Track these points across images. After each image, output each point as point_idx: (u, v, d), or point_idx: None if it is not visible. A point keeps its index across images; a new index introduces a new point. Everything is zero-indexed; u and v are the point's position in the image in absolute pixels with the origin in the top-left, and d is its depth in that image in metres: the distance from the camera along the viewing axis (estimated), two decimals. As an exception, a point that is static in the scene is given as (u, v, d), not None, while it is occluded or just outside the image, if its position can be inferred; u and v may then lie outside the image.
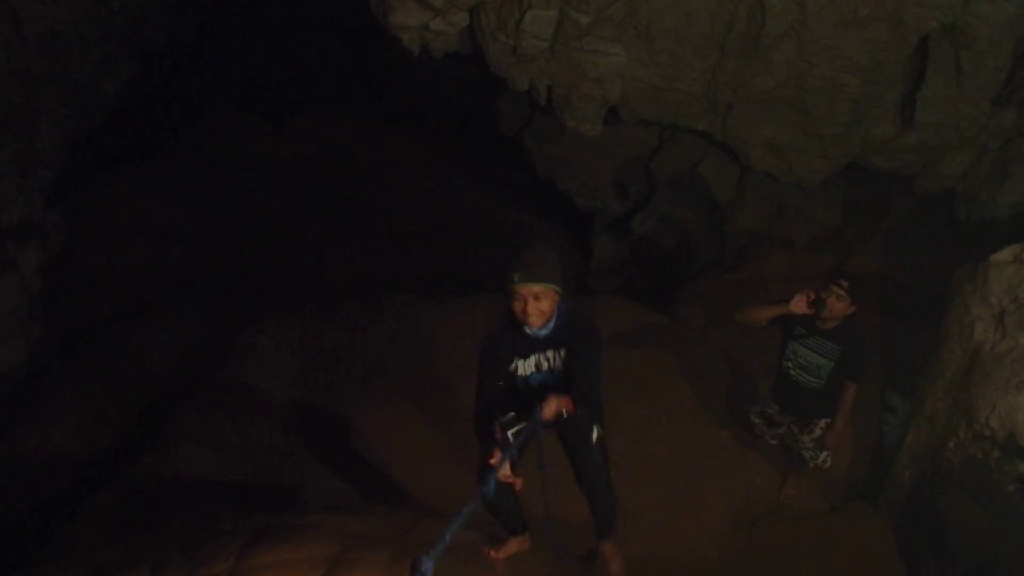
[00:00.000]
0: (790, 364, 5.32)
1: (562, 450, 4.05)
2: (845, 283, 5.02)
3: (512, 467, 3.26)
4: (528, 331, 3.63)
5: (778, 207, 7.87)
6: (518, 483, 3.29)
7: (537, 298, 3.52)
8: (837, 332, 5.10)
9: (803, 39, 6.17)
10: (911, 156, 6.86)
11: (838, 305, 4.98)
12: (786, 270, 7.61)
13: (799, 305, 5.03)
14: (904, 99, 6.64)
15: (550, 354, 3.82)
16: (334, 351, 6.71)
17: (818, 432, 5.41)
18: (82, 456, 6.46)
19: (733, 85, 6.59)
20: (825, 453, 5.42)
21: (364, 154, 11.08)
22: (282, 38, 12.94)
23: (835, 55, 6.19)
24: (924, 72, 6.42)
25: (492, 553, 4.16)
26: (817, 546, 5.38)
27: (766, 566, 5.25)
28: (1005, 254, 5.08)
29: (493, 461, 3.15)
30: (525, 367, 3.83)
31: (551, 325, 3.68)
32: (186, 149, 10.56)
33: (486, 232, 10.40)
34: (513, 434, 3.46)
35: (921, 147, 6.74)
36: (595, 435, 3.99)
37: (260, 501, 5.04)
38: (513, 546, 4.24)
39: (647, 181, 8.89)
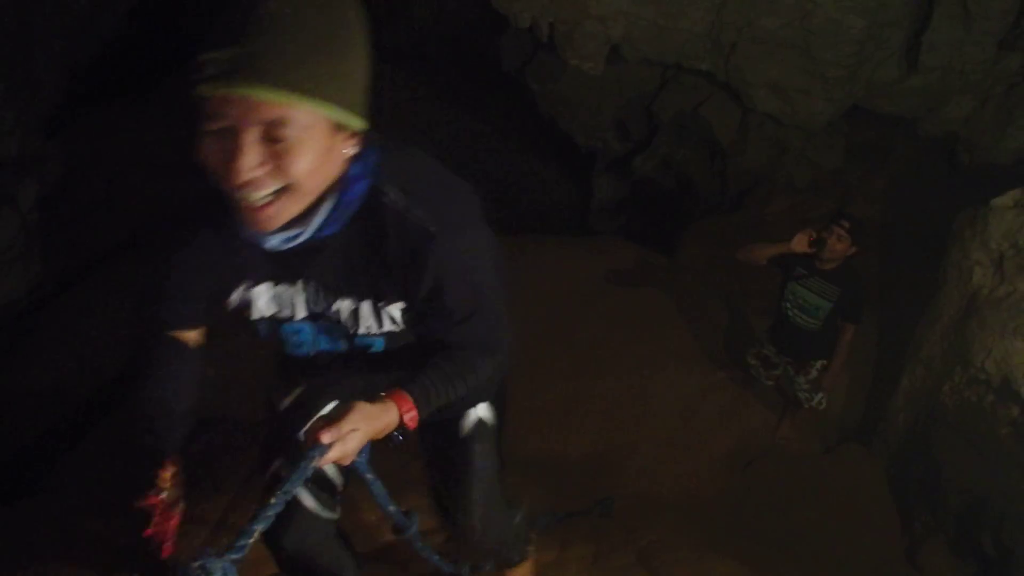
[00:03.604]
0: (788, 305, 5.33)
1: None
2: (847, 223, 5.02)
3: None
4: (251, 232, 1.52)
5: (780, 149, 7.82)
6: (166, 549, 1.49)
7: (276, 137, 1.37)
8: (837, 273, 5.10)
9: (810, -22, 6.09)
10: (915, 100, 6.81)
11: (839, 245, 4.98)
12: (787, 213, 7.60)
13: (800, 244, 5.03)
14: (909, 42, 6.57)
15: (353, 289, 1.73)
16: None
17: (814, 374, 5.44)
18: (83, 388, 6.49)
19: (737, 25, 6.51)
20: (820, 394, 5.46)
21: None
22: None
23: (842, -5, 6.11)
24: (931, 14, 6.34)
25: None
26: (810, 487, 5.45)
27: (759, 505, 5.31)
28: (1006, 199, 5.07)
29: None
30: (274, 308, 1.78)
31: (319, 216, 1.55)
32: (185, 83, 10.44)
33: (487, 172, 10.34)
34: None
35: (925, 91, 6.69)
36: (471, 422, 2.16)
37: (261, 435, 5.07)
38: None
39: (648, 122, 8.82)
